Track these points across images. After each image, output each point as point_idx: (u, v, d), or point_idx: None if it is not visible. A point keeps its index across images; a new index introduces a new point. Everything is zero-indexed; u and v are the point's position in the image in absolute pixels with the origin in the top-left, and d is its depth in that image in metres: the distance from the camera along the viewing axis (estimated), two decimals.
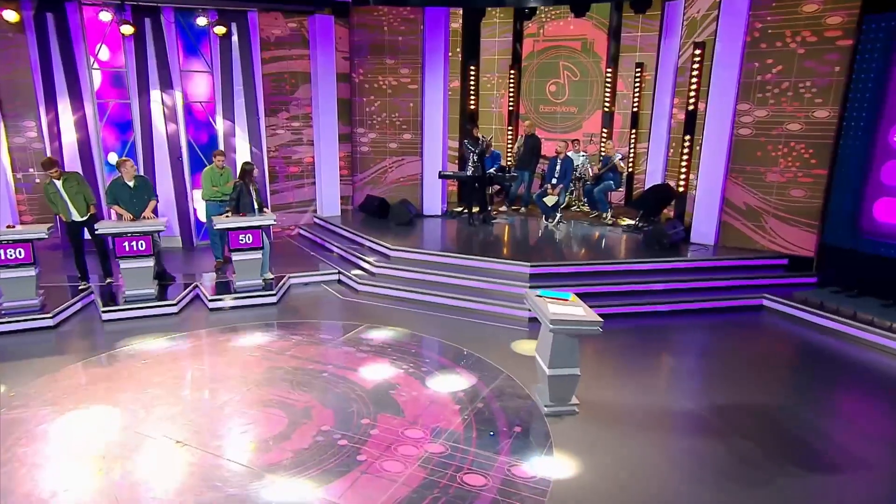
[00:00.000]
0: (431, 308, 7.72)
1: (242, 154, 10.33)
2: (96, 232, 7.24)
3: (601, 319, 4.75)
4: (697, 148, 9.35)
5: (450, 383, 5.62)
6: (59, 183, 7.35)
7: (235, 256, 7.80)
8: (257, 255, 7.91)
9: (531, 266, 7.82)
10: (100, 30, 9.26)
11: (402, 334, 6.84)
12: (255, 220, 7.81)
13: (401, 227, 10.03)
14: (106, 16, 8.92)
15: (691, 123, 9.18)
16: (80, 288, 7.64)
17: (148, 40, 9.48)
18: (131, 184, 7.53)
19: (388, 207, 10.78)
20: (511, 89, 13.34)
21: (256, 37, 10.05)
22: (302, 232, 11.02)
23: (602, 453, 4.51)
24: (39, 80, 9.23)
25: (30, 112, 9.35)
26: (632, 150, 12.32)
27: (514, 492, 4.01)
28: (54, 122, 9.40)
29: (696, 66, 8.94)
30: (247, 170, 8.10)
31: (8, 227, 6.95)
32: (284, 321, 7.25)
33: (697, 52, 8.92)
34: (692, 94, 9.07)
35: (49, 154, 9.45)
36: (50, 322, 6.84)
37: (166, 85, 9.70)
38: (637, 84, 12.28)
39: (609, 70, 12.38)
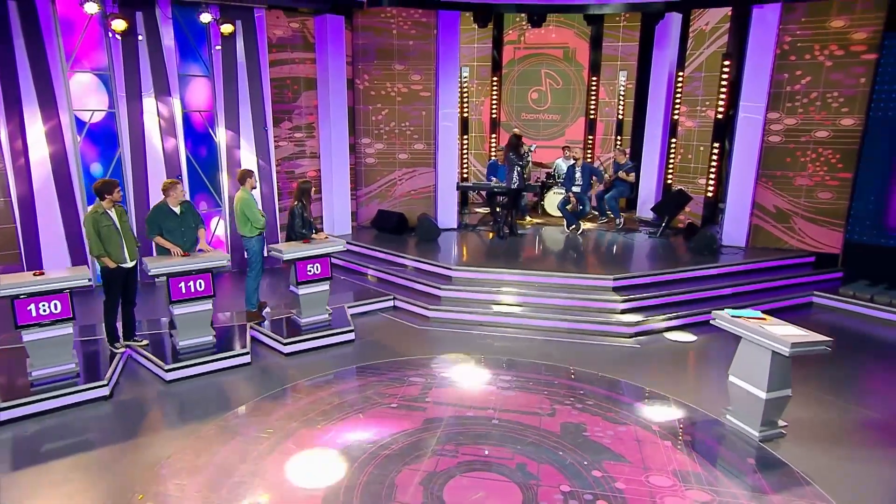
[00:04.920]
0: (517, 330, 7.16)
1: None
2: (150, 272, 5.77)
3: (829, 338, 4.56)
4: (711, 154, 9.71)
5: (631, 415, 5.16)
6: (113, 214, 5.75)
7: (302, 290, 6.68)
8: (325, 286, 6.86)
9: (614, 279, 7.53)
10: (78, 24, 7.53)
11: (523, 363, 6.23)
12: (324, 247, 6.75)
13: (426, 244, 9.26)
14: (92, 7, 7.24)
15: (720, 131, 9.42)
16: (118, 348, 6.05)
17: (140, 39, 7.87)
18: (177, 210, 6.14)
19: (407, 223, 9.96)
20: (494, 97, 12.97)
21: (264, 37, 8.78)
22: None
23: (859, 477, 4.32)
24: None
25: None
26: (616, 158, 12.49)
27: None
28: (18, 135, 7.48)
29: (724, 76, 9.17)
30: (305, 189, 6.97)
31: (36, 273, 5.32)
32: (381, 361, 6.30)
33: (727, 62, 9.16)
34: (721, 103, 9.30)
35: (10, 174, 7.56)
36: (105, 391, 5.35)
37: (161, 91, 8.12)
38: (622, 92, 12.50)
39: (595, 78, 12.47)
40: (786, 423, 4.88)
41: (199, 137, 8.63)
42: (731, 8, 9.34)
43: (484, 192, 11.24)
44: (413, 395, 5.53)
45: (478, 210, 12.32)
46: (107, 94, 7.90)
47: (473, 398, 5.45)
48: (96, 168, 8.00)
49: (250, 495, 4.03)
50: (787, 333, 4.58)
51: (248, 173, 6.84)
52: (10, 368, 5.65)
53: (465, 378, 5.88)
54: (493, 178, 10.33)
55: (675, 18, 10.68)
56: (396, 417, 5.10)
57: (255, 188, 7.08)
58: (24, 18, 7.25)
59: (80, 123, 7.81)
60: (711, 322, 5.19)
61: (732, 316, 5.00)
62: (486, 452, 4.53)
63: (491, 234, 9.96)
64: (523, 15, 12.06)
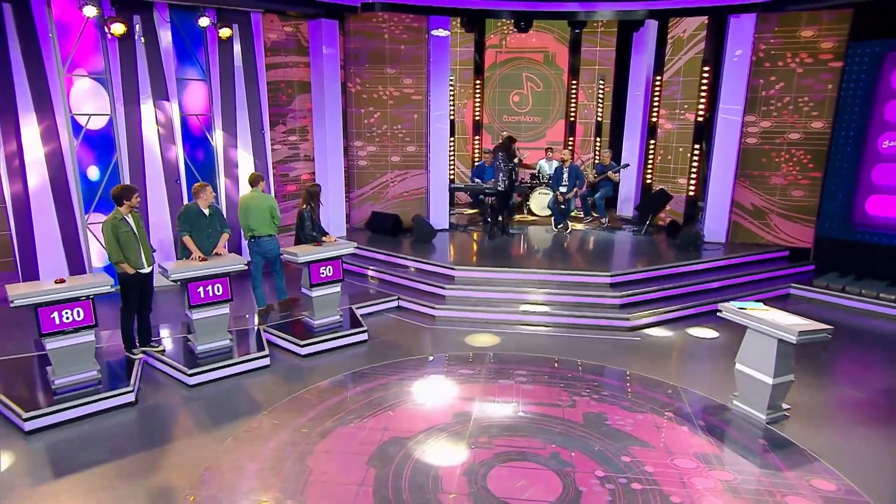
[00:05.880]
0: (522, 326, 7.38)
1: (246, 176, 8.89)
2: (170, 278, 5.75)
3: (830, 326, 4.93)
4: (692, 155, 10.18)
5: (645, 403, 5.43)
6: (131, 219, 5.69)
7: (315, 292, 6.73)
8: (337, 288, 6.93)
9: (611, 276, 7.84)
10: (74, 27, 7.37)
11: (535, 357, 6.44)
12: (337, 249, 6.82)
13: (423, 245, 9.40)
14: (91, 11, 7.11)
15: (700, 133, 9.87)
16: (135, 354, 6.00)
17: (137, 42, 7.74)
18: (206, 212, 6.15)
19: (401, 224, 10.08)
20: (477, 99, 13.17)
21: (260, 41, 8.73)
22: None
23: (860, 452, 4.69)
24: None
25: None
26: (597, 158, 12.88)
27: None
28: (14, 139, 7.28)
29: (704, 81, 9.61)
30: (313, 192, 7.05)
31: (57, 281, 5.24)
32: (397, 360, 6.41)
33: (706, 68, 9.61)
34: (701, 106, 9.74)
35: (5, 180, 7.36)
36: (131, 397, 5.31)
37: (159, 95, 8.01)
38: (601, 95, 12.90)
39: (574, 82, 12.83)
40: (788, 406, 5.23)
41: (196, 141, 8.54)
42: (707, 17, 9.80)
43: (471, 194, 11.47)
44: (436, 390, 5.67)
45: (462, 211, 12.51)
46: (104, 98, 7.74)
47: (495, 392, 5.63)
48: (93, 172, 7.83)
49: (300, 493, 4.11)
50: (792, 323, 4.92)
51: (261, 176, 6.97)
52: (30, 378, 5.56)
53: (484, 373, 6.06)
54: (477, 180, 10.54)
55: (652, 25, 11.09)
56: (425, 413, 5.24)
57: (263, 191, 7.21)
58: (20, 21, 7.05)
59: (76, 128, 7.64)
60: (718, 314, 5.51)
61: (738, 307, 5.33)
62: (472, 448, 4.68)
63: (476, 234, 10.17)
64: (504, 20, 12.30)
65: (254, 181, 7.02)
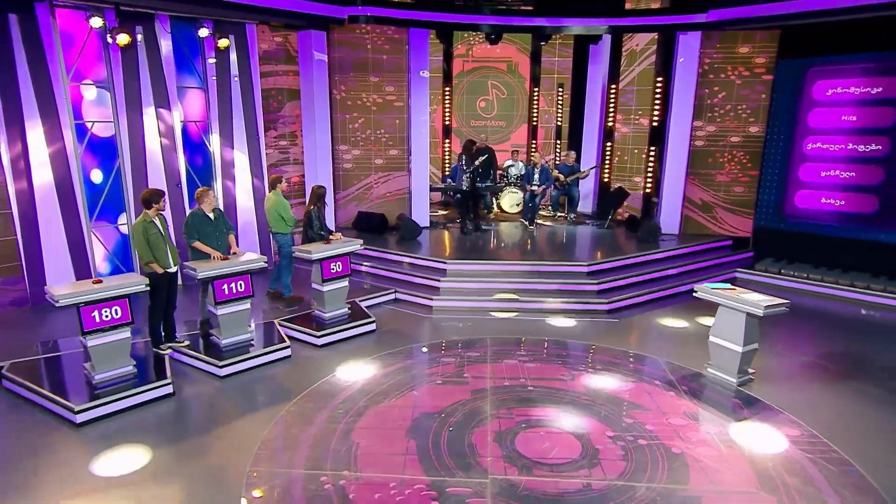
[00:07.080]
0: (513, 312, 7.82)
1: (243, 179, 8.97)
2: (199, 277, 5.84)
3: (787, 300, 5.60)
4: (648, 156, 10.91)
5: (633, 375, 5.98)
6: (158, 222, 5.75)
7: (327, 287, 6.95)
8: (345, 282, 7.15)
9: (588, 265, 8.39)
10: (78, 37, 7.27)
11: (531, 340, 6.90)
12: (346, 246, 7.05)
13: (410, 242, 9.71)
14: (97, 21, 7.04)
15: (655, 137, 10.61)
16: (163, 350, 6.07)
17: (140, 51, 7.69)
18: (211, 216, 6.25)
19: (387, 223, 10.36)
20: (447, 105, 13.52)
21: (255, 50, 8.78)
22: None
23: (814, 404, 5.37)
24: None
25: None
26: (558, 159, 13.51)
27: (816, 449, 4.66)
28: (20, 147, 7.11)
29: (658, 90, 10.33)
30: (320, 194, 7.27)
31: (95, 281, 5.27)
32: (405, 346, 6.72)
33: (659, 79, 10.33)
34: (655, 113, 10.47)
35: (11, 186, 7.19)
36: (169, 389, 5.41)
37: (161, 102, 7.96)
38: (560, 102, 13.52)
39: (536, 89, 13.39)
40: (753, 371, 5.89)
41: (194, 147, 8.53)
42: (657, 34, 10.52)
43: (449, 193, 11.84)
44: (451, 372, 6.04)
45: (435, 211, 12.81)
46: (107, 106, 7.65)
47: (505, 370, 6.04)
48: (97, 178, 7.73)
49: (354, 464, 4.39)
50: (757, 299, 5.56)
51: (279, 179, 7.28)
52: (61, 375, 5.56)
53: (489, 355, 6.45)
54: (449, 180, 10.93)
55: (607, 39, 11.76)
56: (446, 391, 5.59)
57: (284, 191, 7.56)
58: (25, 31, 6.89)
59: (80, 135, 7.52)
60: (694, 294, 6.12)
61: (713, 288, 5.94)
62: (496, 418, 5.14)
63: (449, 230, 10.55)
64: (476, 32, 12.70)
65: (272, 183, 7.39)
